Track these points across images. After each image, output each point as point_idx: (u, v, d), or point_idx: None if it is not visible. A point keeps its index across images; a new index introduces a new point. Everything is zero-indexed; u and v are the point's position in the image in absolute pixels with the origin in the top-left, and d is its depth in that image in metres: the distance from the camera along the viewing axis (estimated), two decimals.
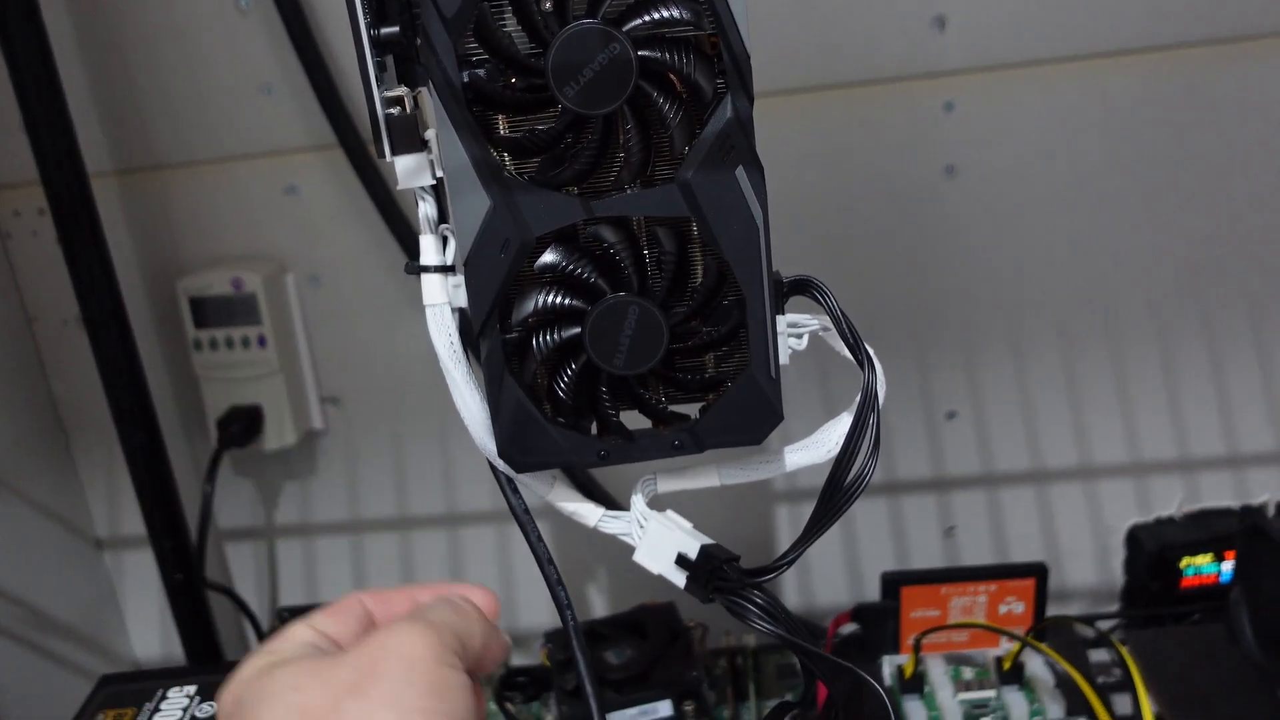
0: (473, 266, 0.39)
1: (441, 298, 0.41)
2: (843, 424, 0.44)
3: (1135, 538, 0.91)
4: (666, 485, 0.45)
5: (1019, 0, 0.77)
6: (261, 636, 0.87)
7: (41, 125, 0.71)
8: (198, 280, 0.81)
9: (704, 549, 0.43)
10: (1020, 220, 0.83)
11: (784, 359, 0.42)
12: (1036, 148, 0.81)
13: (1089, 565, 0.94)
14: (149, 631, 0.94)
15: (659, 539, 0.44)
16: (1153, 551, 0.89)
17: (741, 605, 0.42)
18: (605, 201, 0.39)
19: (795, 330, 0.43)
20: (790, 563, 0.42)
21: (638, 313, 0.39)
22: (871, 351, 0.43)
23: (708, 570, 0.43)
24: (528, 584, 0.94)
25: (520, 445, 0.41)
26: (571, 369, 0.41)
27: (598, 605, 0.94)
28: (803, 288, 0.42)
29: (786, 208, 0.83)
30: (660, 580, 0.46)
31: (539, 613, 0.91)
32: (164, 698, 0.56)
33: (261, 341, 0.81)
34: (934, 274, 0.85)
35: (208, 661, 0.83)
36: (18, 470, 0.82)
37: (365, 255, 0.85)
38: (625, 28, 0.36)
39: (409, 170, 0.39)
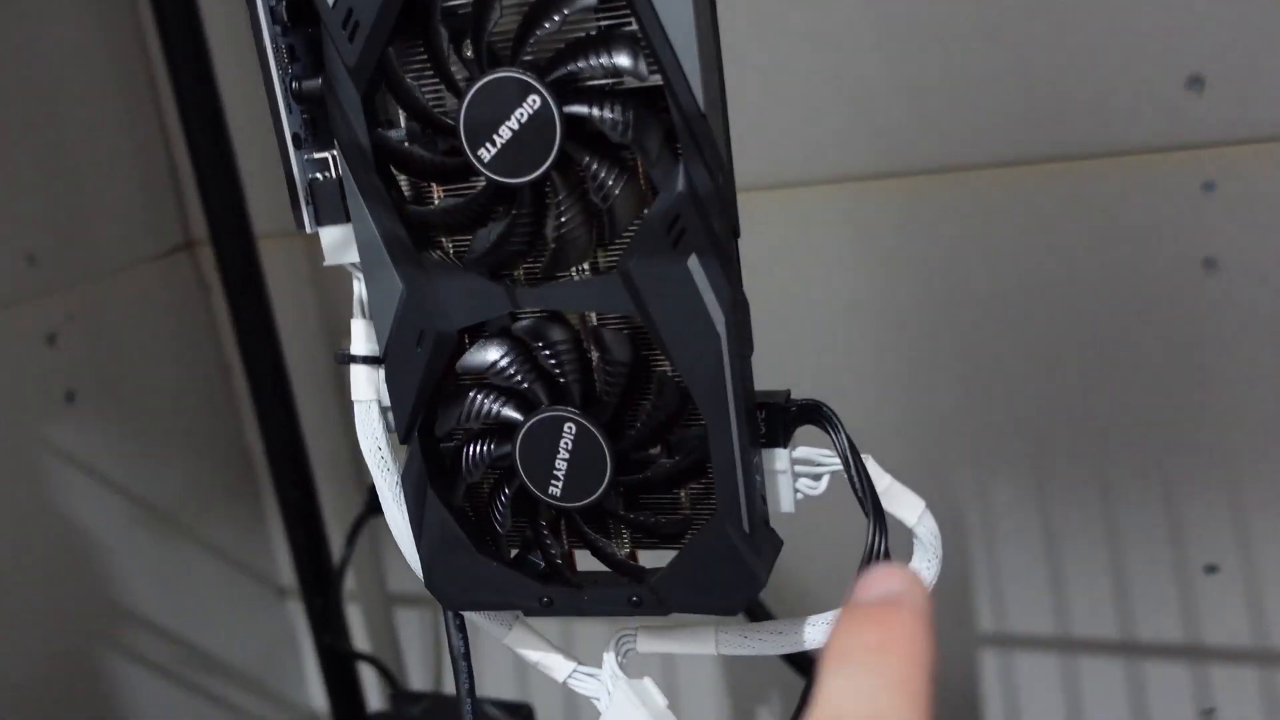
0: (391, 360, 0.33)
1: (369, 394, 0.35)
2: None
3: None
4: (648, 645, 0.36)
5: None
6: (393, 686, 0.83)
7: (211, 187, 0.72)
8: None
9: None
10: None
11: (787, 505, 0.33)
12: None
13: None
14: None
15: (623, 713, 0.35)
16: None
17: None
18: (534, 292, 0.31)
19: (810, 470, 0.33)
20: None
21: (575, 432, 0.31)
22: (914, 509, 0.32)
23: None
24: None
25: (449, 578, 0.34)
26: (505, 494, 0.33)
27: None
28: (811, 415, 0.32)
29: (995, 303, 0.70)
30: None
31: None
32: None
33: None
34: (1188, 391, 0.69)
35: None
36: (207, 517, 0.85)
37: None
38: (549, 77, 0.29)
39: (336, 244, 0.34)
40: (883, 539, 0.30)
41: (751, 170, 0.71)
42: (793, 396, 0.33)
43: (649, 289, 0.30)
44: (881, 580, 0.20)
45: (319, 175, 0.33)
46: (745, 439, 0.30)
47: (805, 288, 0.74)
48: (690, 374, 0.30)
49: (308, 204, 0.33)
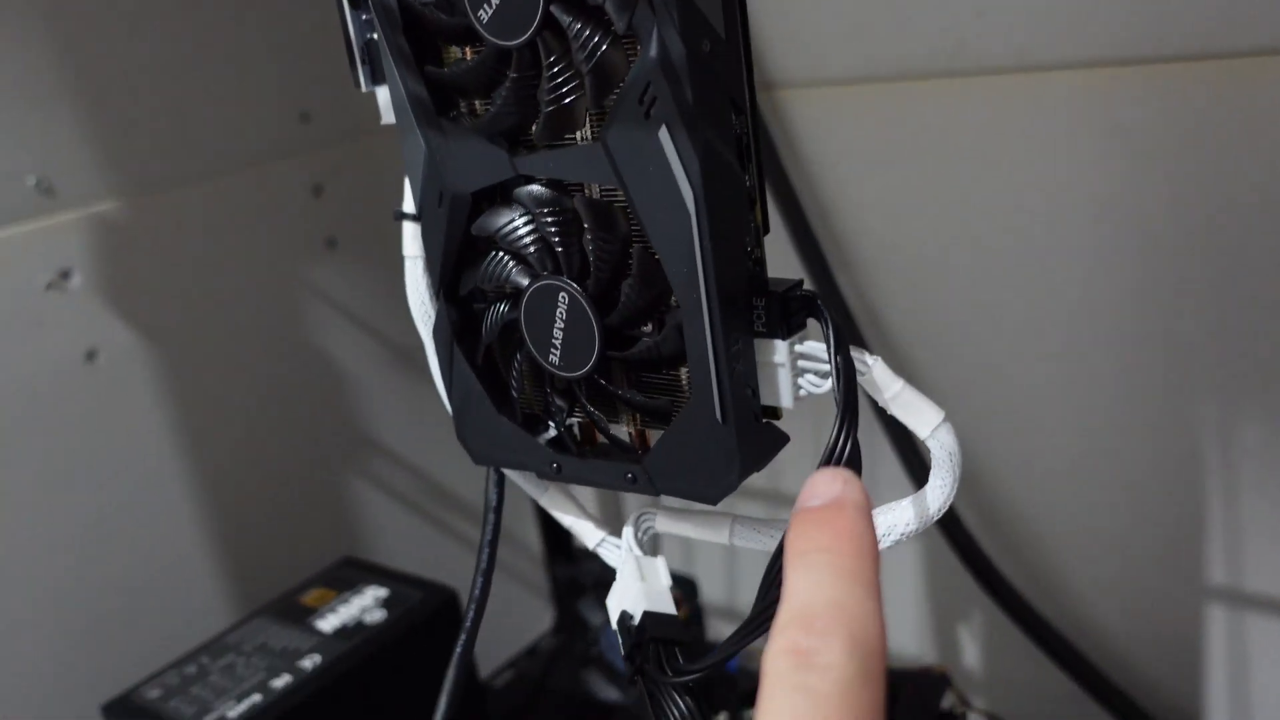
0: (424, 220, 0.34)
1: (416, 250, 0.36)
2: (896, 512, 0.31)
3: None
4: (666, 526, 0.36)
5: None
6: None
7: None
8: None
9: (647, 615, 0.34)
10: None
11: (786, 400, 0.31)
12: None
13: None
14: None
15: (626, 587, 0.35)
16: None
17: (656, 700, 0.32)
18: (531, 159, 0.31)
19: (816, 367, 0.31)
20: (719, 663, 0.31)
21: (568, 302, 0.31)
22: (928, 421, 0.30)
23: (636, 643, 0.33)
24: None
25: (474, 432, 0.36)
26: (519, 358, 0.34)
27: None
28: (807, 305, 0.30)
29: (1261, 214, 0.60)
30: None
31: None
32: (358, 592, 0.59)
33: None
34: None
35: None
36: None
37: None
38: None
39: (391, 104, 0.35)
40: (847, 440, 0.28)
41: (988, 51, 0.64)
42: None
43: (625, 160, 0.29)
44: (823, 485, 0.22)
45: (374, 35, 0.34)
46: (719, 323, 0.29)
47: (1043, 183, 0.67)
48: (664, 251, 0.29)
49: (363, 63, 0.35)
